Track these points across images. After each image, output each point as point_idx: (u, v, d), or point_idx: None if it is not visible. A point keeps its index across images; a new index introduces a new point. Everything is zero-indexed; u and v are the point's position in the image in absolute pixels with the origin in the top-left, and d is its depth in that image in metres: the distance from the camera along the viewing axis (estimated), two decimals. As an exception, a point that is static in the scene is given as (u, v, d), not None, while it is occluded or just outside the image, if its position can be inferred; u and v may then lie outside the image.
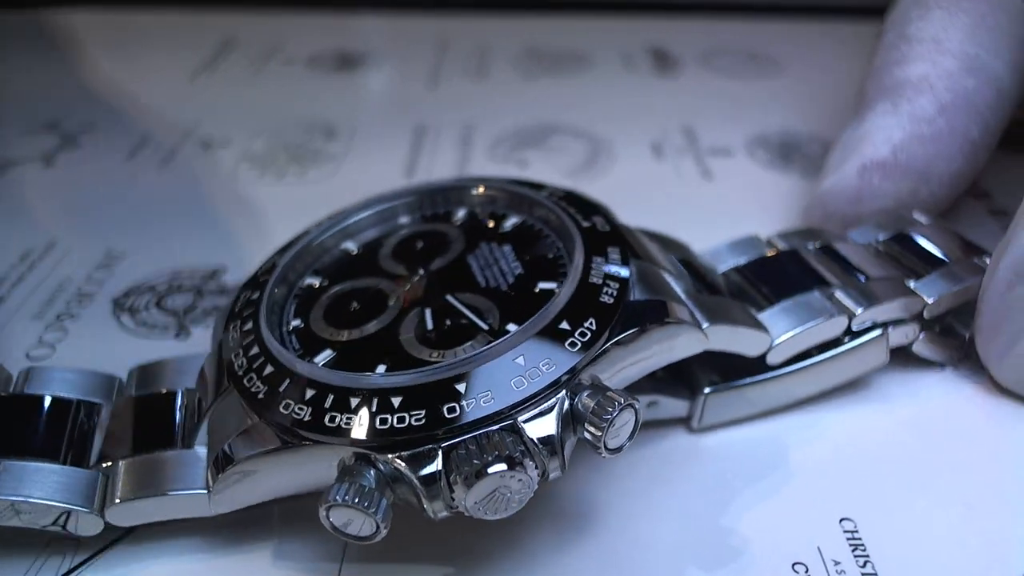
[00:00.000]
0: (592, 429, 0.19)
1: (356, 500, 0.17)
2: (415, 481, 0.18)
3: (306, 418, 0.18)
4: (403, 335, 0.21)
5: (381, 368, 0.20)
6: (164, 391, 0.23)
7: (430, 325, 0.22)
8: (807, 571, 0.21)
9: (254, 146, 0.41)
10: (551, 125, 0.43)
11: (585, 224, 0.23)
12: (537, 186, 0.26)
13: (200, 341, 0.28)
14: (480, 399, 0.18)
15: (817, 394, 0.25)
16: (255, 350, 0.21)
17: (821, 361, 0.24)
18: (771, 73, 0.50)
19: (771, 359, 0.23)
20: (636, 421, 0.19)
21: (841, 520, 0.22)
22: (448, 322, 0.22)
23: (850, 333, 0.24)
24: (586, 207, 0.24)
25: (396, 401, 0.18)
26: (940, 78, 0.30)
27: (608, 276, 0.21)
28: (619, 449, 0.19)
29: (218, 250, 0.33)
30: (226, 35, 0.55)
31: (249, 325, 0.21)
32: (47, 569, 0.21)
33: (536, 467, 0.18)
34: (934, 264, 0.26)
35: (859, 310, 0.24)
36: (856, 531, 0.22)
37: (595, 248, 0.22)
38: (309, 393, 0.19)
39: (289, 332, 0.22)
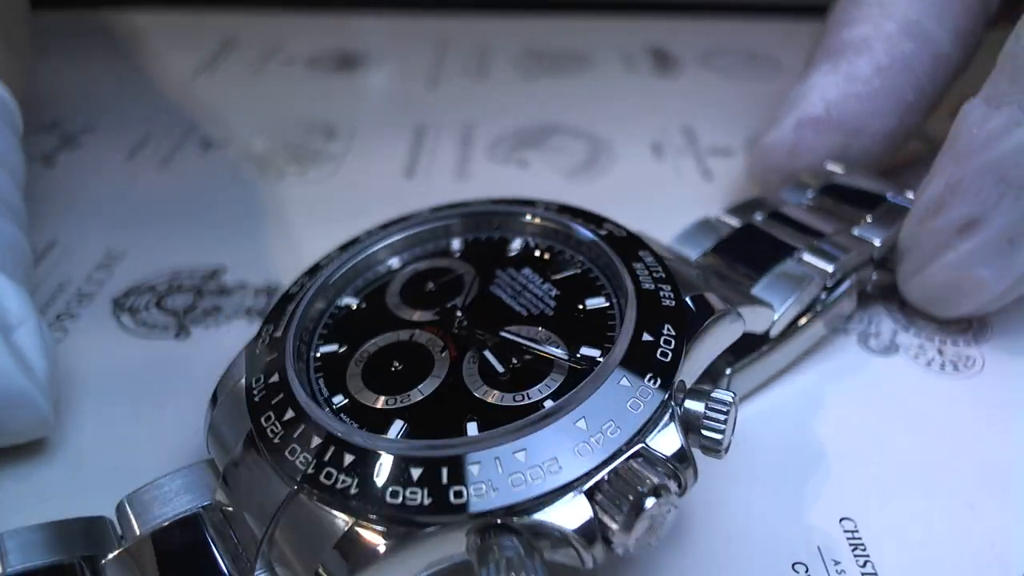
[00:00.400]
0: (711, 434, 0.18)
1: None
2: (569, 535, 0.17)
3: (424, 501, 0.17)
4: (474, 386, 0.20)
5: (473, 426, 0.19)
6: (180, 517, 0.19)
7: (499, 367, 0.20)
8: (807, 571, 0.21)
9: (254, 146, 0.41)
10: (551, 125, 0.43)
11: (602, 232, 0.23)
12: (528, 202, 0.25)
13: (201, 341, 0.28)
14: (606, 431, 0.17)
15: (811, 348, 0.27)
16: (318, 441, 0.18)
17: (809, 321, 0.26)
18: (771, 73, 0.50)
19: (773, 331, 0.25)
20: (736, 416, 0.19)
21: (841, 520, 0.22)
22: (515, 360, 0.21)
23: (826, 290, 0.26)
24: (589, 216, 0.25)
25: (521, 456, 0.17)
26: (879, 40, 0.31)
27: (657, 280, 0.21)
28: (729, 447, 0.19)
29: (218, 250, 0.33)
30: (226, 35, 0.55)
31: (291, 414, 0.19)
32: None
33: (679, 485, 0.18)
34: (867, 207, 0.29)
35: (831, 268, 0.26)
36: (856, 531, 0.22)
37: (628, 255, 0.22)
38: (415, 473, 0.17)
39: (336, 410, 0.20)
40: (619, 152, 0.40)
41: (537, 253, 0.24)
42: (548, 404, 0.19)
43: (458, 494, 0.16)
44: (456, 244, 0.25)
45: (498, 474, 0.17)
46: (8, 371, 0.21)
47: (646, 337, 0.20)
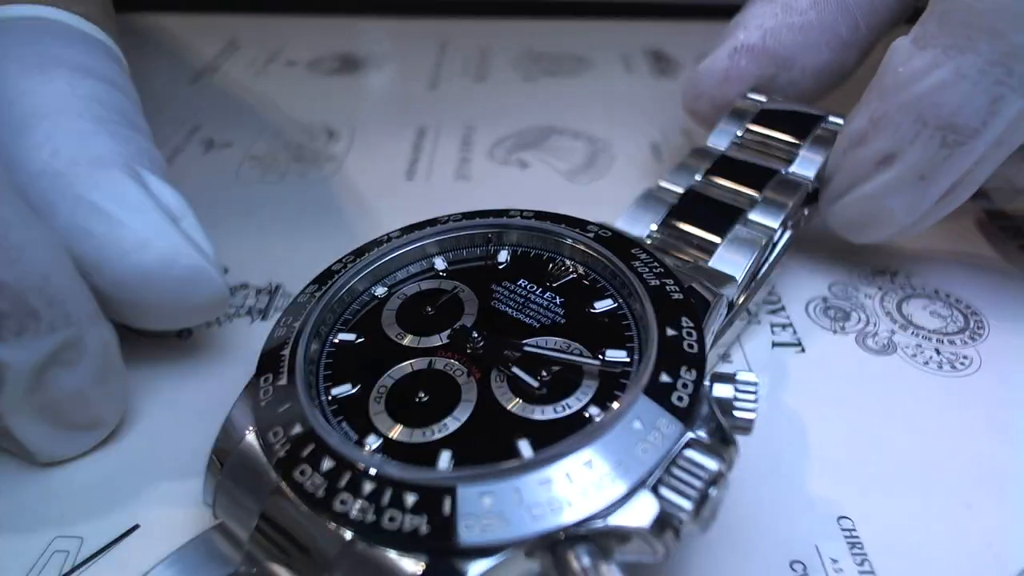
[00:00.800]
0: (743, 414, 0.19)
1: None
2: (643, 532, 0.17)
3: (494, 526, 0.17)
4: (509, 404, 0.20)
5: (525, 444, 0.19)
6: None
7: (532, 382, 0.21)
8: (805, 569, 0.21)
9: (256, 147, 0.41)
10: (551, 126, 0.43)
11: (589, 235, 0.24)
12: (502, 212, 0.25)
13: (202, 340, 0.28)
14: (660, 427, 0.18)
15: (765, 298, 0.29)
16: (371, 487, 0.17)
17: (763, 273, 0.27)
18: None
19: (735, 296, 0.25)
20: None
21: (839, 519, 0.22)
22: (544, 373, 0.21)
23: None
24: (570, 221, 0.25)
25: (589, 467, 0.17)
26: None
27: (659, 275, 0.22)
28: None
29: (220, 250, 0.33)
30: (229, 38, 0.55)
31: (329, 463, 0.18)
32: (50, 568, 0.21)
33: (727, 466, 0.18)
34: (800, 134, 0.30)
35: (776, 222, 0.27)
36: (854, 530, 0.22)
37: (623, 255, 0.23)
38: (487, 501, 0.17)
39: (373, 452, 0.19)
40: (618, 153, 0.41)
41: (528, 263, 0.25)
42: (593, 411, 0.20)
43: (554, 510, 0.17)
44: (440, 263, 0.25)
45: (571, 488, 0.17)
46: (188, 251, 0.24)
47: (670, 332, 0.20)
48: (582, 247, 0.24)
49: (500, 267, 0.25)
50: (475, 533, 0.16)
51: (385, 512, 0.17)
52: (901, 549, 0.21)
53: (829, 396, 0.26)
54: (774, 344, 0.28)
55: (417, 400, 0.20)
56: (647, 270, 0.23)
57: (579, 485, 0.17)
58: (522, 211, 0.25)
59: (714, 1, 0.60)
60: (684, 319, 0.21)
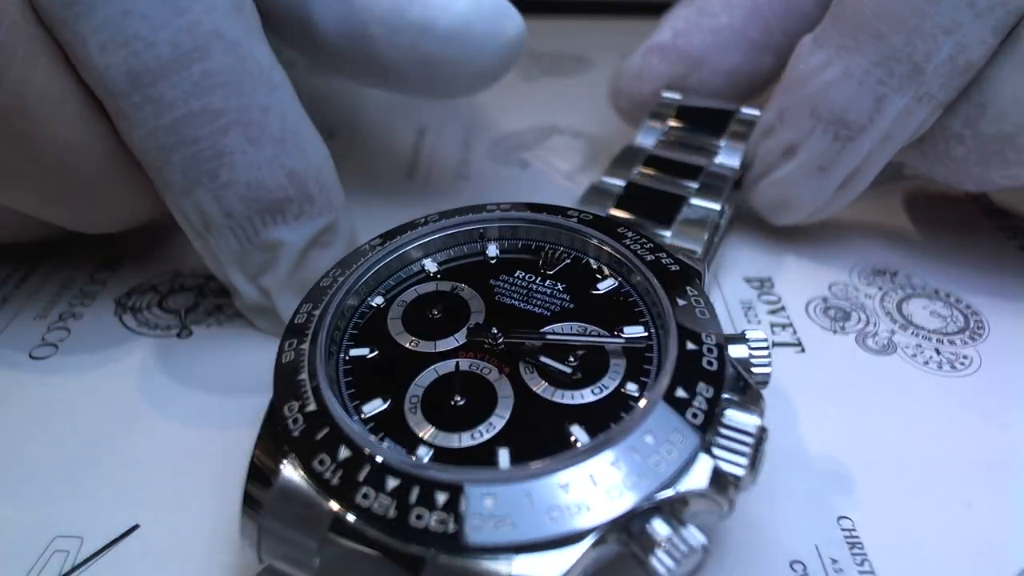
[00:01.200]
0: (761, 370, 0.20)
1: (682, 553, 0.17)
2: (707, 492, 0.18)
3: (586, 511, 0.17)
4: (548, 393, 0.20)
5: (578, 429, 0.19)
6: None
7: (564, 368, 0.21)
8: (805, 569, 0.21)
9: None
10: (551, 126, 0.43)
11: (573, 218, 0.25)
12: (479, 208, 0.25)
13: (203, 340, 0.28)
14: (702, 392, 0.19)
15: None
16: (444, 497, 0.17)
17: (713, 249, 0.29)
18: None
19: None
20: None
21: (839, 519, 0.22)
22: (571, 358, 0.21)
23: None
24: (550, 208, 0.25)
25: (650, 439, 0.18)
26: None
27: (651, 250, 0.23)
28: None
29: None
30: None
31: (395, 482, 0.17)
32: (50, 568, 0.21)
33: (761, 415, 0.19)
34: (717, 130, 0.32)
35: (717, 204, 0.28)
36: (854, 529, 0.22)
37: (611, 234, 0.24)
38: (564, 491, 0.17)
39: (431, 462, 0.19)
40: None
41: (519, 254, 0.25)
42: (630, 387, 0.20)
43: (619, 494, 0.17)
44: (431, 265, 0.25)
45: (638, 464, 0.17)
46: None
47: (680, 302, 0.21)
48: (572, 232, 0.24)
49: (493, 262, 0.25)
50: (561, 523, 0.17)
51: (466, 520, 0.17)
52: (901, 549, 0.21)
53: (829, 396, 0.26)
54: (774, 344, 0.28)
55: (454, 404, 0.20)
56: (639, 247, 0.23)
57: (644, 460, 0.17)
58: (499, 204, 0.26)
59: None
60: (688, 288, 0.22)
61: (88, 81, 0.22)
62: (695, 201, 0.28)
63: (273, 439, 0.19)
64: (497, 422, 0.20)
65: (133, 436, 0.24)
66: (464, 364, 0.21)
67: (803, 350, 0.28)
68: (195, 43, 0.22)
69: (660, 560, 0.17)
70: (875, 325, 0.29)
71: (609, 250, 0.23)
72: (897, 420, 0.25)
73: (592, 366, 0.21)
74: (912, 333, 0.29)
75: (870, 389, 0.26)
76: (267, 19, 0.27)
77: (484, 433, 0.19)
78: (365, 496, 0.17)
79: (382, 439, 0.19)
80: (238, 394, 0.26)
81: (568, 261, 0.24)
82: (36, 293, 0.31)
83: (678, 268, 0.22)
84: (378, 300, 0.24)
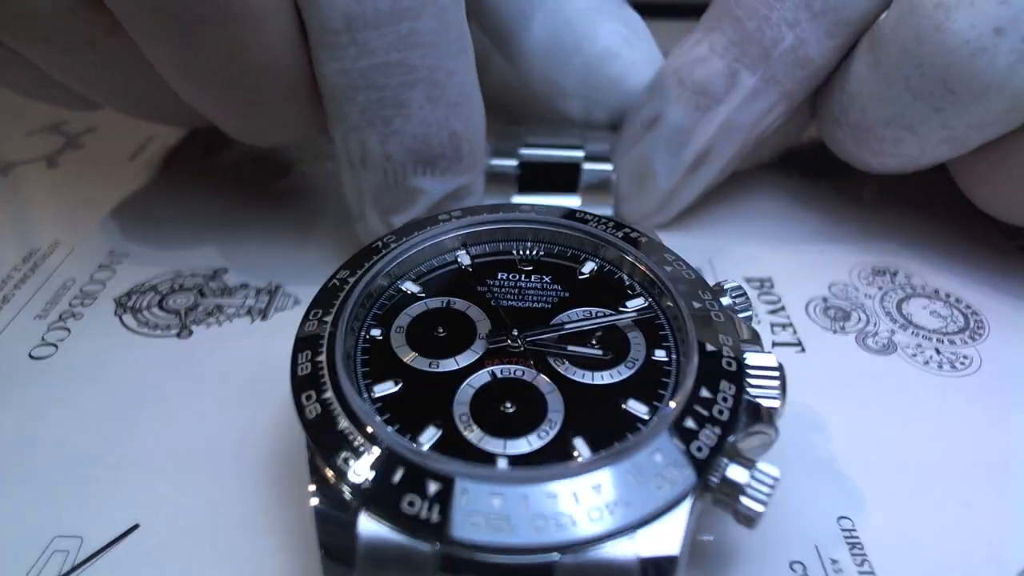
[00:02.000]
0: (745, 313, 0.22)
1: (768, 488, 0.18)
2: (761, 428, 0.19)
3: (687, 477, 0.18)
4: (587, 379, 0.21)
5: (635, 404, 0.20)
6: None
7: (595, 352, 0.21)
8: (805, 570, 0.21)
9: (256, 147, 0.41)
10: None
11: (527, 212, 0.26)
12: (433, 219, 0.25)
13: (203, 340, 0.28)
14: (727, 343, 0.21)
15: None
16: (557, 496, 0.17)
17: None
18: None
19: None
20: None
21: (839, 519, 0.22)
22: (593, 342, 0.22)
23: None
24: (506, 207, 0.26)
25: (707, 393, 0.19)
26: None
27: (620, 227, 0.25)
28: None
29: (220, 250, 0.33)
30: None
31: (499, 501, 0.17)
32: (49, 568, 0.21)
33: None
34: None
35: (610, 166, 0.31)
36: (854, 530, 0.22)
37: (568, 217, 0.25)
38: (661, 464, 0.18)
39: (521, 461, 0.19)
40: (619, 153, 0.41)
41: (490, 257, 0.25)
42: (658, 354, 0.22)
43: (699, 449, 0.18)
44: (412, 287, 0.24)
45: (706, 417, 0.19)
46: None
47: (667, 268, 0.23)
48: (535, 225, 0.25)
49: (471, 270, 0.24)
50: (666, 491, 0.17)
51: (588, 511, 0.17)
52: (901, 549, 0.21)
53: (829, 396, 0.26)
54: (774, 344, 0.28)
55: (505, 411, 0.20)
56: (597, 225, 0.25)
57: (709, 414, 0.19)
58: (450, 212, 0.26)
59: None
60: (666, 254, 0.24)
61: (305, 10, 0.24)
62: (588, 167, 0.30)
63: (336, 489, 0.18)
64: (556, 417, 0.20)
65: (133, 436, 0.24)
66: (499, 371, 0.21)
67: (803, 350, 0.28)
68: (412, 2, 0.24)
69: (751, 501, 0.18)
70: (875, 325, 0.29)
71: (577, 235, 0.25)
72: (897, 420, 0.25)
73: (616, 343, 0.22)
74: (912, 333, 0.29)
75: (870, 389, 0.26)
76: (482, 16, 0.32)
77: (549, 431, 0.20)
78: (474, 524, 0.17)
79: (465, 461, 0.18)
80: (238, 394, 0.26)
81: (541, 255, 0.25)
82: (36, 293, 0.31)
83: (639, 235, 0.25)
84: (377, 332, 0.22)
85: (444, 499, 0.17)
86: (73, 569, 0.21)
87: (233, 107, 0.27)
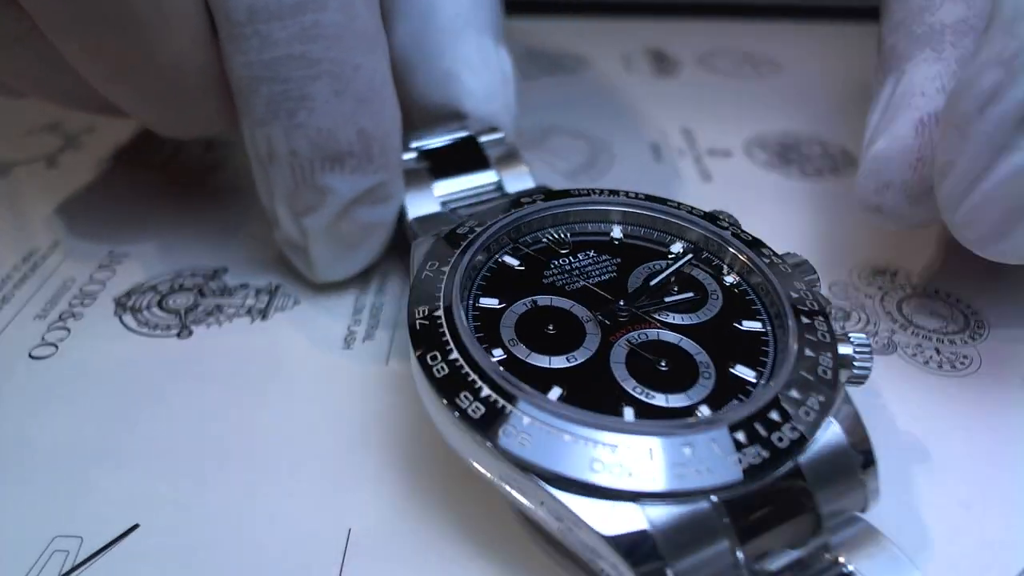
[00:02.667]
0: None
1: (868, 350, 0.21)
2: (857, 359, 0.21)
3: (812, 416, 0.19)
4: (696, 319, 0.23)
5: (749, 322, 0.23)
6: None
7: (687, 294, 0.24)
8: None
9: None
10: (550, 126, 0.43)
11: (551, 196, 0.27)
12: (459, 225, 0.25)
13: (203, 340, 0.28)
14: (809, 281, 0.23)
15: None
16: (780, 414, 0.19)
17: None
18: (769, 74, 0.50)
19: None
20: None
21: (838, 518, 0.22)
22: (675, 289, 0.24)
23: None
24: (531, 192, 0.28)
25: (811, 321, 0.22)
26: (980, 18, 0.26)
27: (639, 196, 0.27)
28: None
29: (220, 250, 0.33)
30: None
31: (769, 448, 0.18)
32: (49, 568, 0.21)
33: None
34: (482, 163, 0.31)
35: (501, 135, 0.31)
36: (853, 529, 0.22)
37: (574, 195, 0.27)
38: (804, 395, 0.20)
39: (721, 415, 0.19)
40: (618, 153, 0.41)
41: (541, 246, 0.25)
42: (729, 279, 0.24)
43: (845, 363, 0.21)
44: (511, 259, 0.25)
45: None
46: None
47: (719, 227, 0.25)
48: (550, 212, 0.26)
49: (527, 263, 0.25)
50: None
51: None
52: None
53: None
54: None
55: (662, 369, 0.21)
56: (632, 196, 0.27)
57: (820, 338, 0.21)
58: (478, 222, 0.25)
59: (714, 0, 0.60)
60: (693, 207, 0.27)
61: (213, 4, 0.24)
62: (484, 138, 0.31)
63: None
64: (702, 357, 0.21)
65: (133, 436, 0.24)
66: (625, 342, 0.22)
67: (803, 350, 0.28)
68: None
69: (859, 365, 0.21)
70: (875, 325, 0.29)
71: (595, 210, 0.26)
72: (896, 419, 0.25)
73: (693, 283, 0.24)
74: (912, 333, 0.29)
75: (870, 389, 0.26)
76: None
77: (710, 370, 0.21)
78: (734, 464, 0.18)
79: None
80: (238, 394, 0.26)
81: (588, 234, 0.26)
82: (36, 293, 0.31)
83: (731, 232, 0.25)
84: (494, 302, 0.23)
85: (706, 455, 0.18)
86: (73, 569, 0.21)
87: (150, 104, 0.27)
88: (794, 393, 0.19)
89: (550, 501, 0.18)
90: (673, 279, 0.24)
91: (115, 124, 0.43)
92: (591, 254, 0.25)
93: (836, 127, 0.43)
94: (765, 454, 0.18)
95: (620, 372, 0.21)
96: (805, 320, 0.21)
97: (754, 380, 0.21)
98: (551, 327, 0.22)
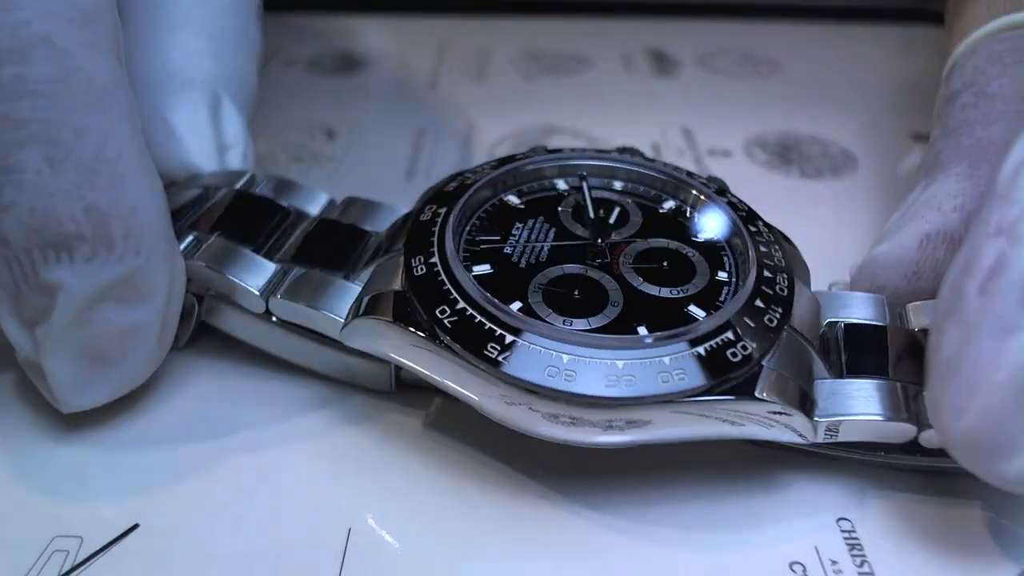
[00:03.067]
0: None
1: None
2: None
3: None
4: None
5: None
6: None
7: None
8: (804, 570, 0.21)
9: (255, 146, 0.41)
10: (551, 126, 0.43)
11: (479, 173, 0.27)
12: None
13: (201, 340, 0.28)
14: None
15: None
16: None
17: None
18: (769, 74, 0.50)
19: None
20: None
21: (838, 520, 0.22)
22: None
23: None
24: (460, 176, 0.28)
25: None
26: None
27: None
28: None
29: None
30: (227, 36, 0.55)
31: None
32: (49, 568, 0.21)
33: None
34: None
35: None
36: (853, 531, 0.22)
37: (503, 164, 0.28)
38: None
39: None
40: (618, 153, 0.41)
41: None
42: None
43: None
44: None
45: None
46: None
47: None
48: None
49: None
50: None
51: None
52: (900, 550, 0.21)
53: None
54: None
55: (663, 268, 0.24)
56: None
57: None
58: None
59: (714, 0, 0.60)
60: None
61: None
62: (241, 184, 0.28)
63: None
64: (700, 281, 0.24)
65: (132, 435, 0.24)
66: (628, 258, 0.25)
67: (803, 351, 0.28)
68: (14, 43, 0.20)
69: None
70: (875, 326, 0.29)
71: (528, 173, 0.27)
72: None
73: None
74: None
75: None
76: None
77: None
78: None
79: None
80: (236, 396, 0.26)
81: (520, 204, 0.27)
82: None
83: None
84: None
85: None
86: (73, 569, 0.21)
87: None
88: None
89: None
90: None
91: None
92: (540, 224, 0.26)
93: (836, 127, 0.43)
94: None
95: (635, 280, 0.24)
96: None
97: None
98: (575, 292, 0.23)
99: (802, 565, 0.21)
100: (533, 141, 0.42)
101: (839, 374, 0.23)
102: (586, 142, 0.42)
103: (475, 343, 0.21)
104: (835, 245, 0.33)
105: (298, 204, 0.28)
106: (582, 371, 0.20)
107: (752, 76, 0.50)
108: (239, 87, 0.31)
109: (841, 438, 0.22)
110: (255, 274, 0.25)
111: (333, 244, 0.26)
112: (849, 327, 0.24)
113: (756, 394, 0.20)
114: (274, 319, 0.25)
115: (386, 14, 0.59)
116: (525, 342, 0.20)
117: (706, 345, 0.21)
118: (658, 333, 0.21)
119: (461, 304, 0.21)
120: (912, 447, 0.22)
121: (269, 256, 0.26)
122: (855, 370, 0.22)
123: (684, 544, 0.21)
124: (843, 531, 0.22)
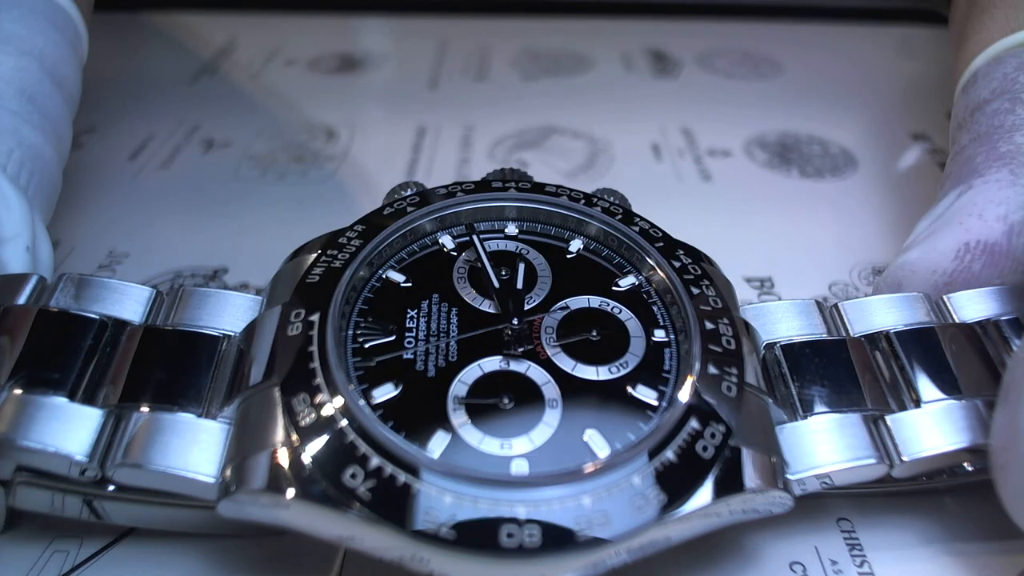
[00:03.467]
0: None
1: None
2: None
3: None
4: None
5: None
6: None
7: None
8: (805, 571, 0.21)
9: (255, 147, 0.41)
10: (551, 126, 0.43)
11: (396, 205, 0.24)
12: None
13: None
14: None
15: None
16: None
17: None
18: (769, 74, 0.50)
19: None
20: None
21: (838, 520, 0.22)
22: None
23: None
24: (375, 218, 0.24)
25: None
26: None
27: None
28: None
29: (220, 250, 0.33)
30: (228, 37, 0.55)
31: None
32: (49, 569, 0.21)
33: None
34: None
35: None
36: (853, 531, 0.22)
37: (431, 200, 0.24)
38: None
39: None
40: (618, 153, 0.41)
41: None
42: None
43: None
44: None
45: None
46: None
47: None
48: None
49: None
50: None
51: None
52: (900, 551, 0.21)
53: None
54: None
55: (591, 341, 0.21)
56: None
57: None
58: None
59: (714, 0, 0.60)
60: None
61: None
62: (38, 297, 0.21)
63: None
64: (638, 348, 0.21)
65: (133, 436, 0.24)
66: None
67: (803, 350, 0.28)
68: None
69: None
70: (875, 325, 0.29)
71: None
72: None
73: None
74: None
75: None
76: None
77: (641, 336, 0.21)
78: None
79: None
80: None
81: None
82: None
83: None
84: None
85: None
86: (72, 569, 0.21)
87: None
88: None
89: None
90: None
91: (116, 124, 0.43)
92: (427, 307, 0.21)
93: (836, 127, 0.43)
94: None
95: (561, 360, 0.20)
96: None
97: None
98: (504, 399, 0.19)
99: (802, 565, 0.21)
100: (533, 141, 0.42)
101: (793, 413, 0.20)
102: (586, 142, 0.42)
103: (405, 515, 0.16)
104: (835, 245, 0.33)
105: (112, 311, 0.20)
106: (547, 520, 0.16)
107: (752, 76, 0.50)
108: (22, 162, 0.25)
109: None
110: (76, 431, 0.18)
111: (173, 365, 0.19)
112: (787, 349, 0.21)
113: (747, 485, 0.18)
114: (111, 488, 0.19)
115: (386, 14, 0.59)
116: (468, 501, 0.16)
117: (673, 447, 0.18)
118: (617, 449, 0.18)
119: (375, 461, 0.17)
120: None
121: (89, 399, 0.18)
122: (809, 407, 0.20)
123: (684, 544, 0.21)
124: (843, 531, 0.22)
